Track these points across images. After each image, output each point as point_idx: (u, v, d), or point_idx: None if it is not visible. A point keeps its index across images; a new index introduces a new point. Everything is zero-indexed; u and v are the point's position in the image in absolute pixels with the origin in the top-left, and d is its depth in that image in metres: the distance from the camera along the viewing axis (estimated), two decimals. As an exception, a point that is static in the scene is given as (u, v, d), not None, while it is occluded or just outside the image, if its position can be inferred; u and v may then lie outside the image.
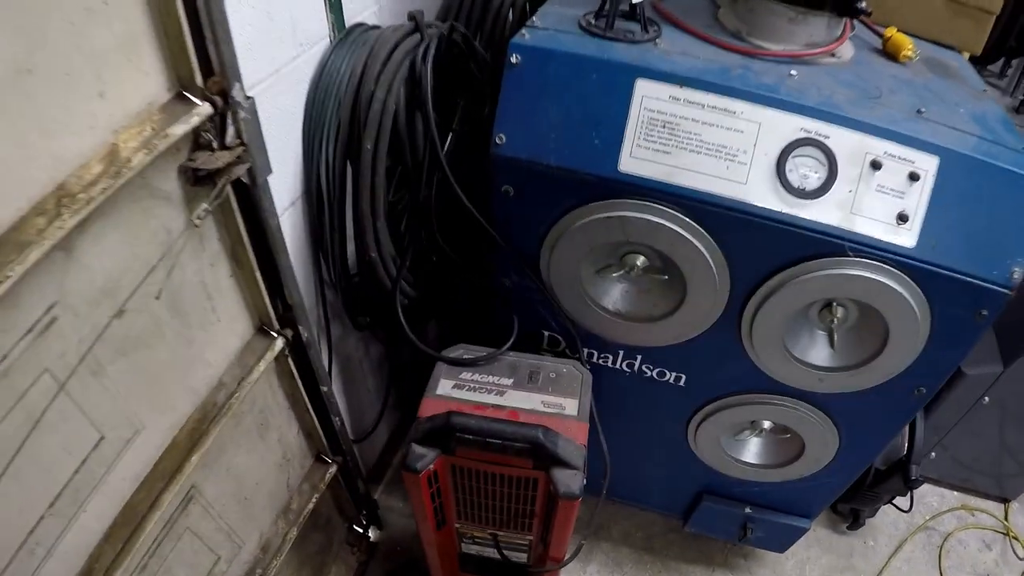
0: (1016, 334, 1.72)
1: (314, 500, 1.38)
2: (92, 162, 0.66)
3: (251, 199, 0.90)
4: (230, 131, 0.78)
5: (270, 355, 1.05)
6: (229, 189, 0.87)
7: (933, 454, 1.98)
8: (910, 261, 0.96)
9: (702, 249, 1.01)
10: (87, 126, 0.65)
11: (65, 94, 0.62)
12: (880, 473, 1.68)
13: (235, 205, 0.89)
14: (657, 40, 1.06)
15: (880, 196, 0.95)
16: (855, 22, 1.17)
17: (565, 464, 0.98)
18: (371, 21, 1.18)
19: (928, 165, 0.95)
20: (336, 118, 1.07)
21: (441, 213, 1.26)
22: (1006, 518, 2.05)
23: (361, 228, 1.11)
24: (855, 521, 1.87)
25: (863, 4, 1.03)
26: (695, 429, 1.35)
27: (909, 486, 1.62)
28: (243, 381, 1.02)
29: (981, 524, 2.04)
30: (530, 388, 1.10)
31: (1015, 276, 0.96)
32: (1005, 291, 0.96)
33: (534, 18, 1.09)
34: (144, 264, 0.78)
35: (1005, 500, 2.12)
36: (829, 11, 1.05)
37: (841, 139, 0.95)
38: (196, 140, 0.79)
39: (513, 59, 1.01)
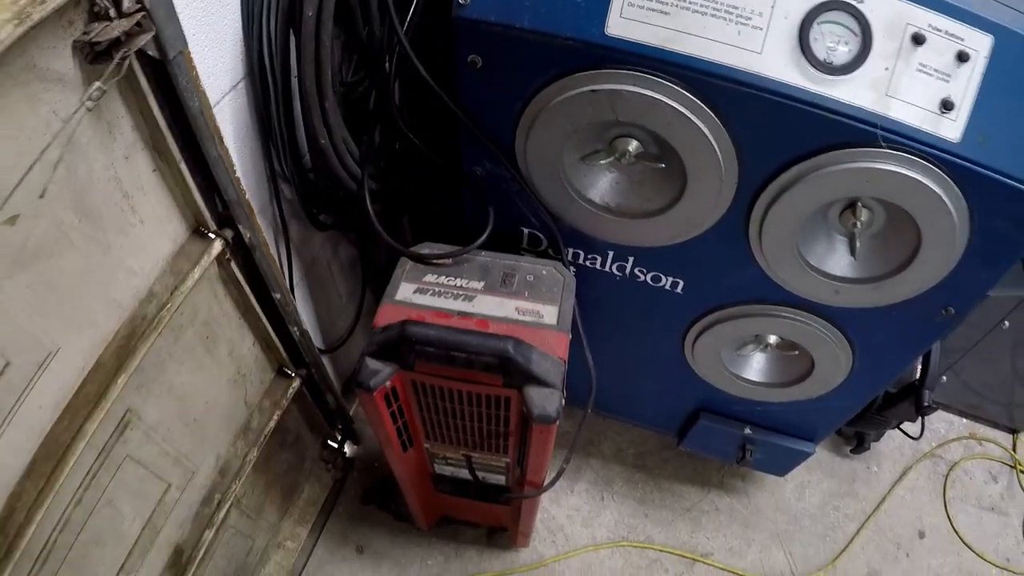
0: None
1: (275, 417, 1.34)
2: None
3: (167, 79, 0.79)
4: (127, -8, 0.67)
5: (207, 259, 0.97)
6: (137, 67, 0.76)
7: (944, 378, 1.94)
8: (952, 158, 0.85)
9: (706, 131, 0.90)
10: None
11: None
12: (891, 396, 1.64)
13: (146, 86, 0.78)
14: None
15: (921, 77, 0.84)
16: None
17: (540, 382, 0.92)
18: None
19: (980, 45, 0.83)
20: (274, -21, 0.94)
21: (404, 93, 1.15)
22: (1014, 449, 2.04)
23: (307, 109, 1.00)
24: (859, 445, 1.85)
25: None
26: (693, 341, 1.28)
27: (921, 412, 1.58)
28: (177, 290, 0.94)
29: (988, 454, 2.03)
30: (503, 293, 1.03)
31: None
32: None
33: None
34: (31, 160, 0.69)
35: (1014, 431, 2.11)
36: None
37: (878, 5, 0.83)
38: (91, 10, 0.67)
39: None
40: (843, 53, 0.84)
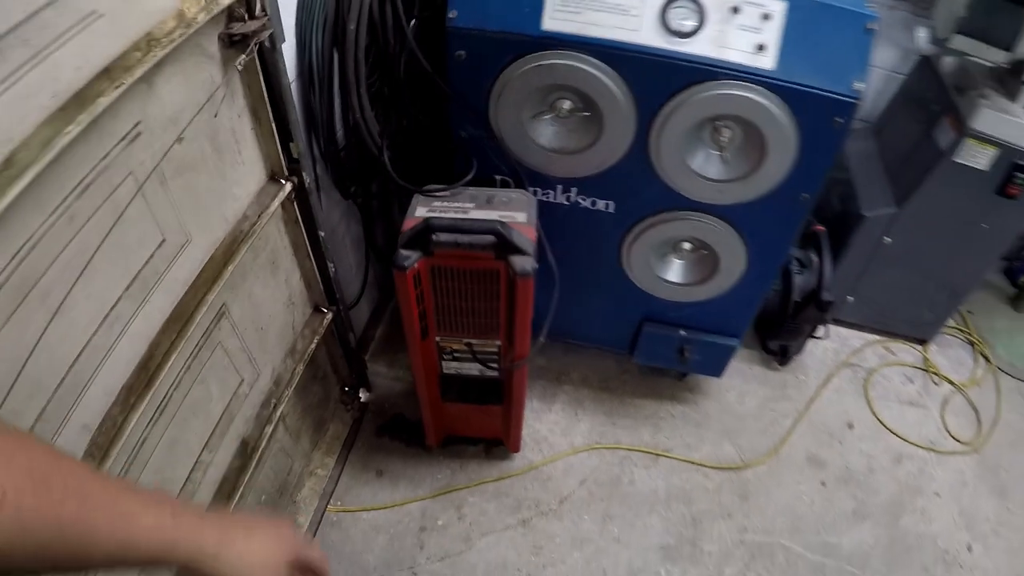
0: (906, 178, 2.20)
1: (315, 343, 1.80)
2: (168, 19, 1.05)
3: (268, 67, 1.30)
4: (258, 6, 1.18)
5: (281, 195, 1.46)
6: (255, 55, 1.26)
7: (850, 298, 2.47)
8: (771, 80, 1.39)
9: (611, 85, 1.44)
10: (166, -10, 1.04)
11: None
12: (798, 304, 2.16)
13: (259, 68, 1.29)
14: None
15: (742, 32, 1.38)
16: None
17: (519, 250, 1.42)
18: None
19: (777, 8, 1.38)
20: (324, 11, 1.46)
21: (411, 85, 1.67)
22: (924, 355, 2.57)
23: (347, 92, 1.52)
24: (784, 356, 2.37)
25: None
26: (628, 252, 1.79)
27: (821, 308, 2.11)
28: (261, 215, 1.42)
29: (902, 361, 2.57)
30: (488, 208, 1.53)
31: (856, 87, 1.39)
32: (852, 100, 1.40)
33: None
34: (196, 105, 1.18)
35: (923, 341, 2.64)
36: None
37: (711, -9, 1.39)
38: (230, 15, 1.18)
39: None
40: (689, 24, 1.39)
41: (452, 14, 1.44)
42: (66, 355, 1.01)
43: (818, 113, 1.43)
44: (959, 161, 2.03)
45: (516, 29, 1.43)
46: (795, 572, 1.95)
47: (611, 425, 2.21)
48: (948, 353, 2.65)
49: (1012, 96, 2.04)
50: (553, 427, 2.19)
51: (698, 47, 1.39)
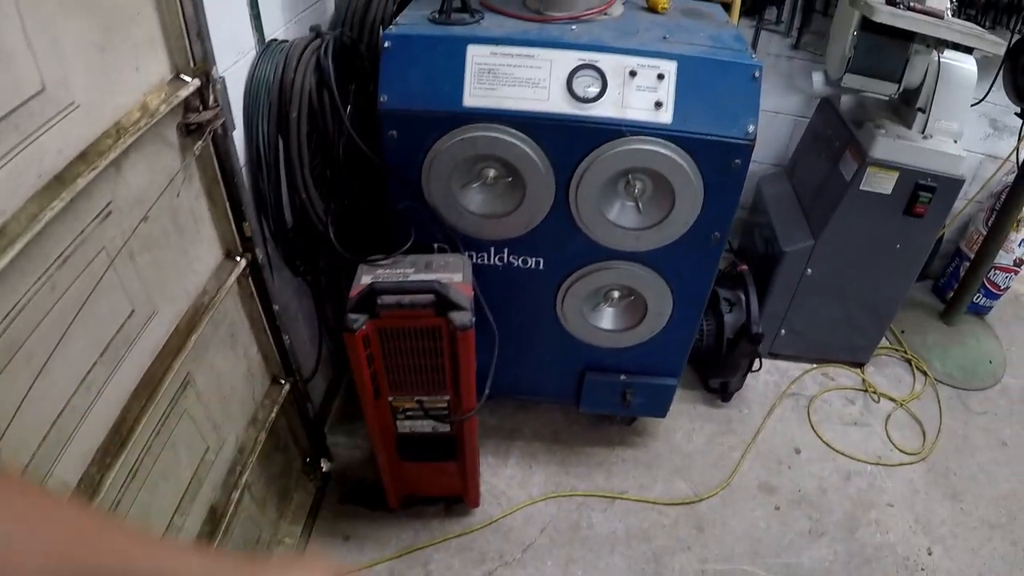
0: (819, 212, 2.47)
1: (275, 412, 1.93)
2: (134, 110, 1.25)
3: (221, 152, 1.50)
4: (211, 98, 1.39)
5: (236, 271, 1.63)
6: (209, 142, 1.46)
7: (783, 331, 2.71)
8: (670, 132, 1.64)
9: (528, 151, 1.67)
10: (132, 88, 1.24)
11: (120, 68, 1.21)
12: (731, 340, 2.38)
13: (213, 153, 1.48)
14: (481, 21, 1.74)
15: (640, 93, 1.64)
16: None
17: (458, 306, 1.60)
18: (283, 36, 1.81)
19: (669, 68, 1.64)
20: (268, 101, 1.67)
21: (350, 164, 1.88)
22: (863, 377, 2.80)
23: (292, 174, 1.72)
24: (725, 392, 2.56)
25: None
26: (561, 304, 1.99)
27: (752, 341, 2.32)
28: (219, 289, 1.59)
29: (841, 385, 2.80)
30: (427, 272, 1.72)
31: (750, 130, 1.64)
32: (745, 142, 1.64)
33: (397, 19, 1.77)
34: (159, 187, 1.36)
35: (860, 364, 2.88)
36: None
37: (607, 61, 1.64)
38: (187, 106, 1.39)
39: (386, 45, 1.66)
40: (593, 91, 1.64)
41: (383, 98, 1.67)
42: (48, 414, 1.15)
43: (716, 158, 1.68)
44: (865, 189, 2.32)
45: (440, 107, 1.66)
46: None
47: (565, 474, 2.35)
48: (886, 372, 2.90)
49: (907, 123, 2.36)
50: (510, 481, 2.33)
51: (603, 110, 1.64)
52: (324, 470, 2.30)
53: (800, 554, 2.21)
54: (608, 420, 2.51)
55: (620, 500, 2.30)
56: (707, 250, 1.86)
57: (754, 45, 2.75)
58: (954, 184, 2.35)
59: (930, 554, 2.25)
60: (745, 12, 2.56)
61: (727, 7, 2.31)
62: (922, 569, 2.20)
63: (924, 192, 2.34)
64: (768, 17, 2.67)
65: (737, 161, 1.68)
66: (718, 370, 2.50)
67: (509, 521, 2.22)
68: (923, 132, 2.36)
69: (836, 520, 2.32)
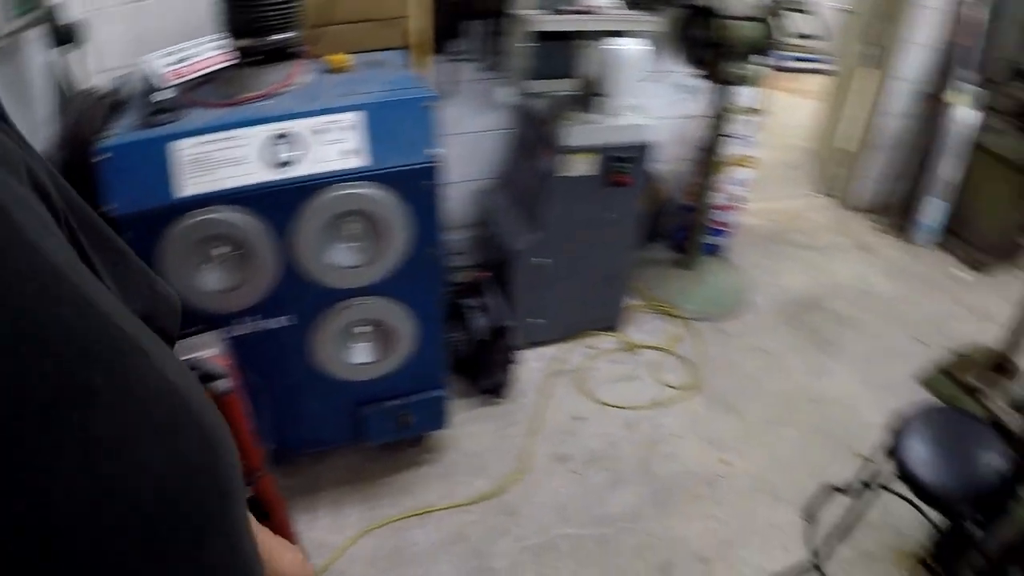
0: (535, 207, 2.96)
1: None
2: None
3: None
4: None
5: None
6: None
7: (541, 320, 3.16)
8: (366, 172, 1.96)
9: (245, 222, 1.90)
10: None
11: None
12: (485, 342, 2.79)
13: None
14: (182, 117, 1.97)
15: (333, 145, 1.94)
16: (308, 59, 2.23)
17: (216, 376, 1.86)
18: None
19: (355, 118, 1.96)
20: None
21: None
22: (623, 339, 3.34)
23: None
24: (498, 390, 2.94)
25: (293, 50, 2.10)
26: (318, 351, 2.24)
27: (503, 335, 2.74)
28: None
29: (605, 350, 3.31)
30: (184, 353, 1.96)
31: (430, 154, 2.01)
32: (429, 164, 2.01)
33: (107, 131, 1.95)
34: None
35: (615, 329, 3.42)
36: (270, 63, 2.09)
37: (298, 125, 1.93)
38: None
39: (103, 156, 1.84)
40: (291, 155, 1.94)
41: (113, 206, 1.84)
42: None
43: (409, 184, 2.03)
44: (566, 175, 2.83)
45: (162, 202, 1.86)
46: (583, 552, 2.47)
47: (376, 506, 2.59)
48: (645, 328, 3.47)
49: (588, 110, 2.89)
50: (325, 529, 2.53)
51: (303, 168, 1.93)
52: None
53: (607, 505, 2.62)
54: (399, 446, 2.78)
55: (431, 513, 2.58)
56: (429, 267, 2.20)
57: (450, 77, 3.19)
58: (644, 150, 2.93)
59: (727, 464, 2.79)
60: (437, 50, 2.99)
61: (419, 47, 2.72)
62: (723, 477, 2.74)
63: (620, 163, 2.89)
64: (456, 49, 3.14)
65: (426, 183, 2.05)
66: (484, 372, 2.87)
67: (337, 566, 2.43)
68: (608, 113, 2.91)
69: (631, 465, 2.77)
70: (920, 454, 1.87)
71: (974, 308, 3.81)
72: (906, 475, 1.86)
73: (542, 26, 2.87)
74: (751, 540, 2.57)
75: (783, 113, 5.71)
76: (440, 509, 2.63)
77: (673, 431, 2.96)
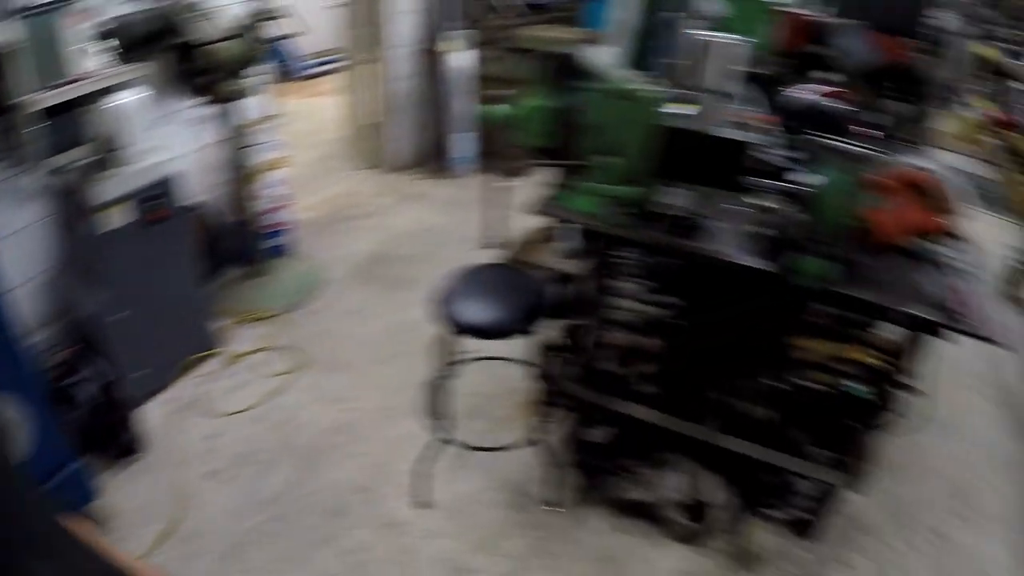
0: (90, 275, 3.24)
1: None
2: None
3: None
4: None
5: None
6: None
7: (147, 370, 3.43)
8: None
9: None
10: None
11: None
12: (100, 407, 3.02)
13: None
14: None
15: None
16: None
17: None
18: None
19: None
20: None
21: None
22: (224, 356, 3.78)
23: None
24: (131, 447, 3.12)
25: None
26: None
27: (111, 389, 3.03)
28: None
29: (209, 374, 3.70)
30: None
31: None
32: None
33: None
34: None
35: (213, 352, 3.79)
36: None
37: None
38: None
39: None
40: None
41: None
42: None
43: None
44: (109, 229, 3.09)
45: None
46: (269, 535, 2.87)
47: None
48: (244, 338, 3.93)
49: (110, 166, 3.14)
50: None
51: None
52: None
53: (269, 489, 3.07)
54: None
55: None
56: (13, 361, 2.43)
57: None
58: (169, 182, 3.29)
59: (353, 410, 3.45)
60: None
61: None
62: (352, 422, 3.40)
63: (152, 201, 3.21)
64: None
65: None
66: (111, 437, 3.05)
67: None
68: (128, 163, 3.24)
69: (274, 449, 3.24)
70: (467, 306, 2.63)
71: (523, 204, 4.81)
72: (460, 326, 2.57)
73: (45, 104, 3.09)
74: (395, 455, 3.25)
75: (312, 115, 6.64)
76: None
77: (297, 407, 3.50)
